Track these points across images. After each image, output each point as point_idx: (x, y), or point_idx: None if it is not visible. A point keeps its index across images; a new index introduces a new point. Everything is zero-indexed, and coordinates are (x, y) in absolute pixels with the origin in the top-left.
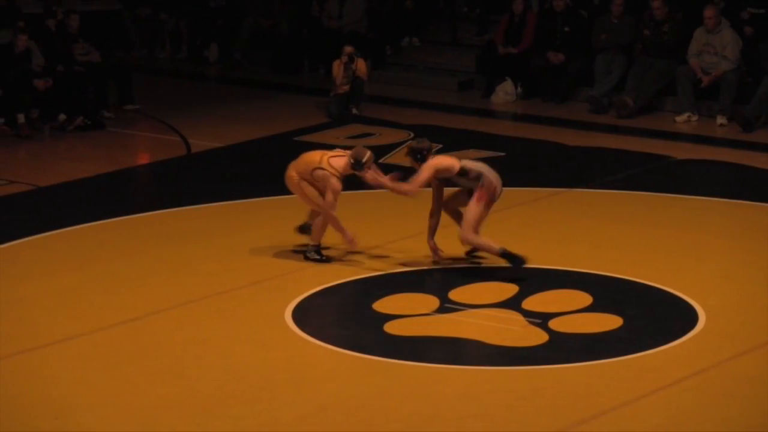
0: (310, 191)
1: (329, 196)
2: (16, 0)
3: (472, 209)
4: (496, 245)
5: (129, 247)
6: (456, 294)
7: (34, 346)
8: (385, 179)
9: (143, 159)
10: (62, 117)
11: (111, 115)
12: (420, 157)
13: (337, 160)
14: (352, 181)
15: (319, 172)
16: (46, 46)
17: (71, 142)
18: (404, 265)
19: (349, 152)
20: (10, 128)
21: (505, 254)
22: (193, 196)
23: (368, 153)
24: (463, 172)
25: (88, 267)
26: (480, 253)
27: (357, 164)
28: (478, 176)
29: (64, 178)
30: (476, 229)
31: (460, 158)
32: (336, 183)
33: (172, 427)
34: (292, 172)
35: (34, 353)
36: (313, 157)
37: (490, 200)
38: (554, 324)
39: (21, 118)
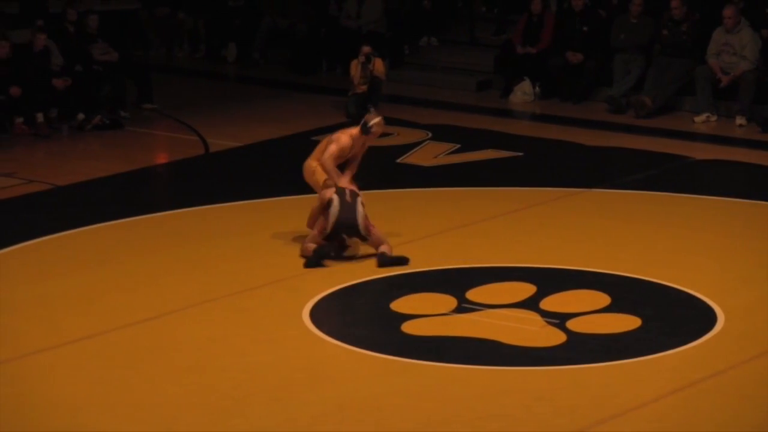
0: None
1: (332, 147)
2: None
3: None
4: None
5: (146, 247)
6: (474, 294)
7: (52, 345)
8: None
9: (161, 158)
10: (80, 116)
11: (127, 114)
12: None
13: (350, 129)
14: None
15: (335, 137)
16: (65, 46)
17: (89, 142)
18: (422, 264)
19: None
20: (28, 127)
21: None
22: (211, 196)
23: (378, 117)
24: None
25: (105, 266)
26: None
27: (364, 126)
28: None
29: (82, 178)
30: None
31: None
32: (345, 138)
33: (189, 426)
34: (312, 161)
35: (52, 352)
36: (322, 143)
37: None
38: (572, 324)
39: (40, 117)
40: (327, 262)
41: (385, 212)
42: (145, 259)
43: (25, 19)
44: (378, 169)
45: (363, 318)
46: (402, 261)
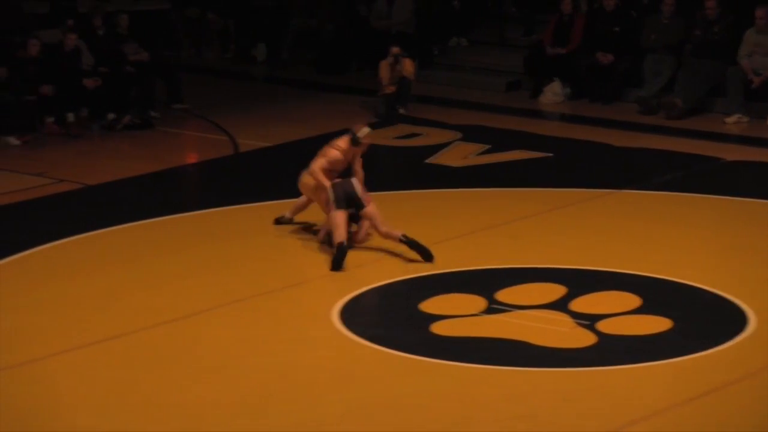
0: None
1: (320, 160)
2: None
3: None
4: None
5: (175, 246)
6: (503, 295)
7: (79, 345)
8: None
9: (191, 158)
10: (111, 116)
11: (157, 114)
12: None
13: (338, 141)
14: (400, 182)
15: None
16: (95, 46)
17: (119, 141)
18: (451, 265)
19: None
20: (59, 127)
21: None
22: (240, 196)
23: (366, 129)
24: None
25: (134, 265)
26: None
27: (354, 138)
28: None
29: (112, 177)
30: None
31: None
32: (332, 152)
33: (215, 426)
34: (307, 176)
35: (78, 351)
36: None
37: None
38: (602, 326)
39: (70, 117)
40: (357, 262)
41: (415, 212)
42: (173, 258)
43: (55, 19)
44: (407, 170)
45: (392, 318)
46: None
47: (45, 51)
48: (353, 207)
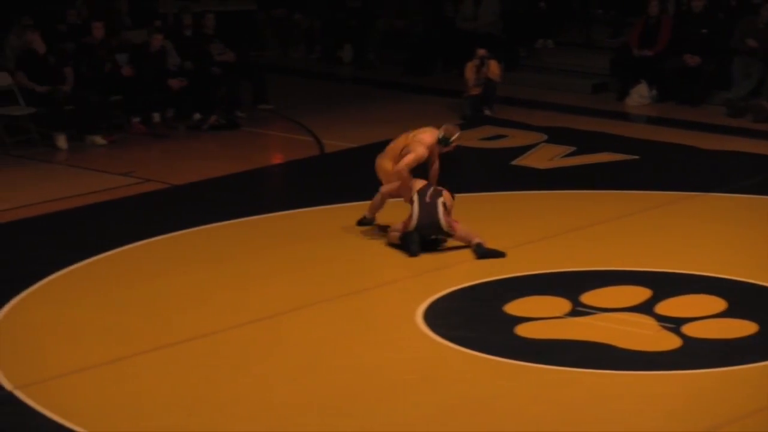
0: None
1: (409, 157)
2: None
3: None
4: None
5: (260, 246)
6: (588, 297)
7: (167, 343)
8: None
9: (276, 159)
10: (197, 116)
11: (243, 115)
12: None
13: (425, 136)
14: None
15: (413, 148)
16: (181, 46)
17: (205, 142)
18: (536, 267)
19: (435, 129)
20: (145, 127)
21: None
22: (326, 196)
23: (458, 132)
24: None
25: (220, 265)
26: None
27: (444, 140)
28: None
29: (197, 177)
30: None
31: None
32: (422, 150)
33: (300, 426)
34: (385, 161)
35: (166, 350)
36: (398, 143)
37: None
38: (687, 329)
39: (156, 117)
40: (442, 263)
41: (500, 214)
42: (258, 258)
43: (136, 19)
44: (492, 171)
45: (476, 320)
46: (499, 254)
47: (131, 52)
48: (436, 234)
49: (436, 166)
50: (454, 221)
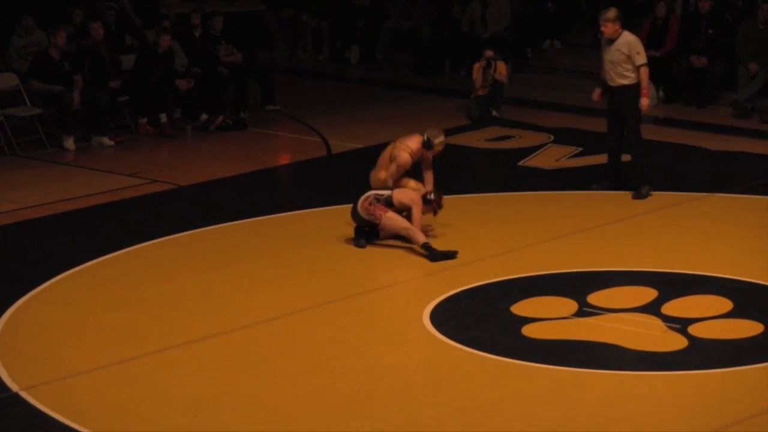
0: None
1: (392, 167)
2: (163, 1)
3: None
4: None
5: (268, 247)
6: (594, 298)
7: (175, 344)
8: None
9: (284, 159)
10: (204, 117)
11: (246, 116)
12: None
13: (410, 142)
14: (492, 184)
15: (395, 154)
16: (189, 47)
17: (213, 142)
18: (543, 268)
19: (420, 136)
20: (153, 128)
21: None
22: (333, 197)
23: (442, 136)
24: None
25: (228, 266)
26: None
27: (428, 142)
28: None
29: (205, 178)
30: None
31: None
32: (404, 156)
33: (310, 426)
34: (380, 173)
35: (175, 351)
36: (386, 153)
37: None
38: (694, 329)
39: (164, 117)
40: (448, 264)
41: (506, 215)
42: (266, 259)
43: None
44: (499, 172)
45: (483, 321)
46: (451, 254)
47: (139, 52)
48: (360, 222)
49: (428, 171)
50: (381, 210)
